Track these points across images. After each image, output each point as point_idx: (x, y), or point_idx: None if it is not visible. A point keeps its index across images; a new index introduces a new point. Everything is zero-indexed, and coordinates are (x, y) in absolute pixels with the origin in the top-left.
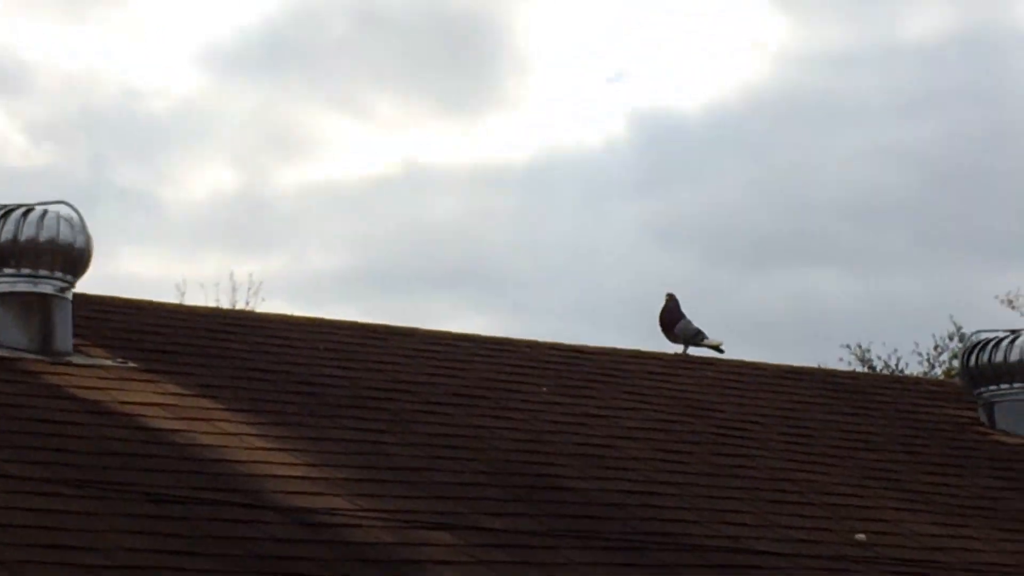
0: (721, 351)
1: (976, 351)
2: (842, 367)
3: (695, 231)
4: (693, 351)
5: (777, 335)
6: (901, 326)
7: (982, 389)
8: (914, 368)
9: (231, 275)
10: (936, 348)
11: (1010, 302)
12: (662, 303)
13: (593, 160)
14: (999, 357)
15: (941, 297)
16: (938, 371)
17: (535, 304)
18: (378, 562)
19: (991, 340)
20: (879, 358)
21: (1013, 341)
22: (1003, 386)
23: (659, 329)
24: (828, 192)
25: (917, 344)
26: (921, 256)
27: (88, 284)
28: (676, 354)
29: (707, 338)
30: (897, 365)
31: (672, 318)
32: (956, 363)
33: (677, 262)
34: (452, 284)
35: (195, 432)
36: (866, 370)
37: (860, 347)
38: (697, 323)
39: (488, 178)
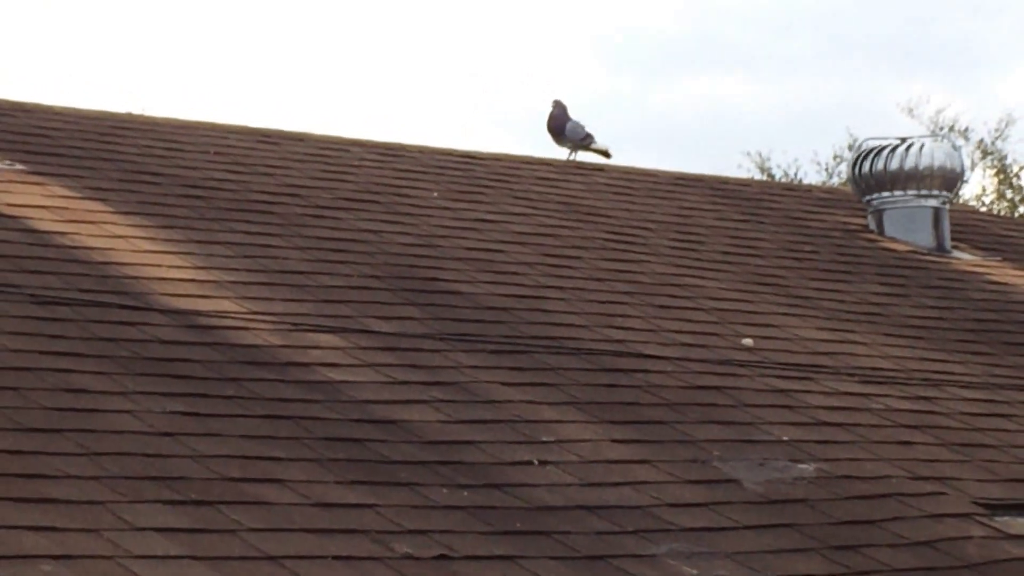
0: (609, 155)
1: (866, 158)
2: (741, 175)
3: (597, 38)
4: (582, 157)
5: (683, 144)
6: (806, 135)
7: (871, 196)
8: (812, 177)
9: None
10: (835, 157)
11: (910, 110)
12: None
13: None
14: (889, 164)
15: (846, 106)
16: (835, 180)
17: None
18: (265, 364)
19: (881, 147)
20: (779, 167)
21: (903, 149)
22: (892, 193)
23: (549, 138)
24: None
25: (816, 153)
26: (828, 64)
27: None
28: (567, 160)
29: (595, 142)
30: (796, 174)
31: (560, 122)
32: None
33: (575, 71)
34: None
35: (83, 235)
36: (765, 178)
37: (760, 155)
38: (596, 132)
39: None
